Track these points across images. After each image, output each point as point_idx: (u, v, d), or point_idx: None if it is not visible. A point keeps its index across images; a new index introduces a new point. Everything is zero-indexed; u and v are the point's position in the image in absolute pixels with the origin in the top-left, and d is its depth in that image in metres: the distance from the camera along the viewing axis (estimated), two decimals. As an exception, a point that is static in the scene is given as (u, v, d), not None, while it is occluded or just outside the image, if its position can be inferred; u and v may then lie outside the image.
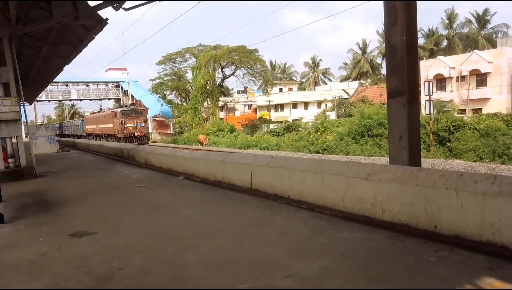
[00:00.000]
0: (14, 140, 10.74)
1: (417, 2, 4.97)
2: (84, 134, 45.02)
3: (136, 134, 33.07)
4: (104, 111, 41.59)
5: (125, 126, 33.16)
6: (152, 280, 3.16)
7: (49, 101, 57.03)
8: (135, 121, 33.74)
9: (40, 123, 65.23)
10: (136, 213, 5.67)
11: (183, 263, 3.50)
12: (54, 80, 29.86)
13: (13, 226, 5.26)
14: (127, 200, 6.69)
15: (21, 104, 10.63)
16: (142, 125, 34.46)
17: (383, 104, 28.73)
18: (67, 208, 6.24)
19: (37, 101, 50.59)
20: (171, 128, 53.33)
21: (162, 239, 4.24)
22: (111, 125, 35.00)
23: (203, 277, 3.16)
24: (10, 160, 10.43)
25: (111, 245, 4.13)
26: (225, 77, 46.39)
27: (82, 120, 48.24)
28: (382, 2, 5.06)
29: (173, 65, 48.16)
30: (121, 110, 34.19)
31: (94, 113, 46.18)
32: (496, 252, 3.14)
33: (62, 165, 13.59)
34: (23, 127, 14.63)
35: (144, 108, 39.83)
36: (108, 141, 32.65)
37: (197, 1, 15.67)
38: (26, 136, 26.17)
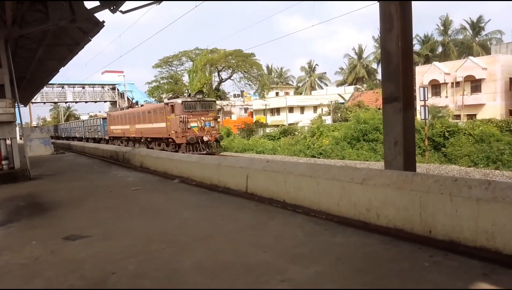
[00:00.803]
0: (8, 142, 10.66)
1: (413, 8, 5.03)
2: (107, 138, 33.03)
3: (205, 138, 21.54)
4: (141, 105, 30.05)
5: (188, 127, 21.58)
6: (146, 285, 3.14)
7: (44, 103, 56.75)
8: (202, 118, 22.05)
9: (35, 125, 64.38)
10: (130, 216, 5.64)
11: (177, 267, 3.48)
12: (49, 82, 29.73)
13: (6, 229, 5.21)
14: (122, 204, 6.65)
15: (16, 106, 10.56)
16: (212, 125, 22.55)
17: (379, 109, 28.87)
18: (61, 211, 6.19)
19: (32, 103, 50.23)
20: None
21: (157, 243, 4.22)
22: (163, 125, 22.91)
23: (197, 282, 3.15)
24: (4, 162, 10.34)
25: (105, 249, 4.09)
26: (221, 81, 46.45)
27: (104, 118, 34.80)
28: (378, 8, 5.11)
29: (170, 68, 48.15)
30: (182, 101, 22.10)
31: (122, 109, 34.02)
32: (490, 257, 3.16)
33: (56, 168, 13.49)
34: (17, 129, 14.53)
35: (213, 99, 27.10)
36: (151, 148, 23.24)
37: (195, 4, 15.69)
38: (20, 138, 25.99)
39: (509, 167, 16.71)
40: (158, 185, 8.49)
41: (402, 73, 4.87)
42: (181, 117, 21.46)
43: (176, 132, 21.70)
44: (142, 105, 30.01)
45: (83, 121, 43.16)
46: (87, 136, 39.07)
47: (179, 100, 22.39)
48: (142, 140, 26.36)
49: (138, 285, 3.13)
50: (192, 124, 21.76)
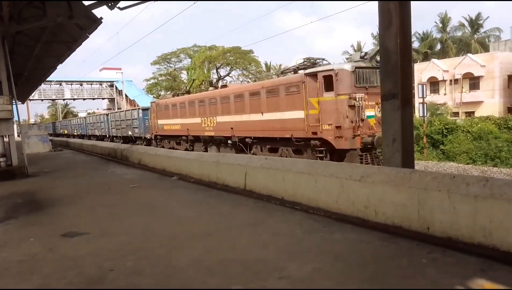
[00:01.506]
0: (6, 139, 10.64)
1: (412, 5, 5.02)
2: (149, 137, 22.79)
3: None
4: (221, 86, 18.77)
5: (362, 118, 10.87)
6: (144, 282, 3.14)
7: (42, 100, 56.50)
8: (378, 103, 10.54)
9: (32, 122, 63.94)
10: (128, 213, 5.63)
11: (175, 264, 3.48)
12: (47, 79, 29.58)
13: (4, 226, 5.20)
14: (120, 201, 6.64)
15: (14, 103, 10.53)
16: None
17: (377, 106, 28.79)
18: (59, 209, 6.17)
19: (30, 100, 50.04)
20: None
21: (155, 240, 4.22)
22: (297, 115, 11.99)
23: (195, 279, 3.14)
24: (1, 159, 10.33)
25: (103, 246, 4.09)
26: (220, 78, 46.37)
27: (145, 109, 23.89)
28: (377, 5, 5.10)
29: (168, 65, 48.06)
30: (354, 68, 10.92)
31: (176, 95, 23.77)
32: (487, 254, 3.17)
33: (54, 165, 13.46)
34: (15, 126, 14.50)
35: None
36: (253, 154, 13.78)
37: (193, 2, 15.64)
38: (18, 135, 25.93)
39: (507, 164, 16.79)
40: (157, 182, 8.47)
41: (400, 70, 4.87)
42: (351, 99, 10.86)
43: (338, 127, 10.97)
44: (224, 86, 18.58)
45: (107, 115, 31.32)
46: (114, 134, 28.61)
47: (347, 66, 11.16)
48: (229, 143, 15.77)
49: (136, 282, 3.13)
50: (368, 113, 11.25)
